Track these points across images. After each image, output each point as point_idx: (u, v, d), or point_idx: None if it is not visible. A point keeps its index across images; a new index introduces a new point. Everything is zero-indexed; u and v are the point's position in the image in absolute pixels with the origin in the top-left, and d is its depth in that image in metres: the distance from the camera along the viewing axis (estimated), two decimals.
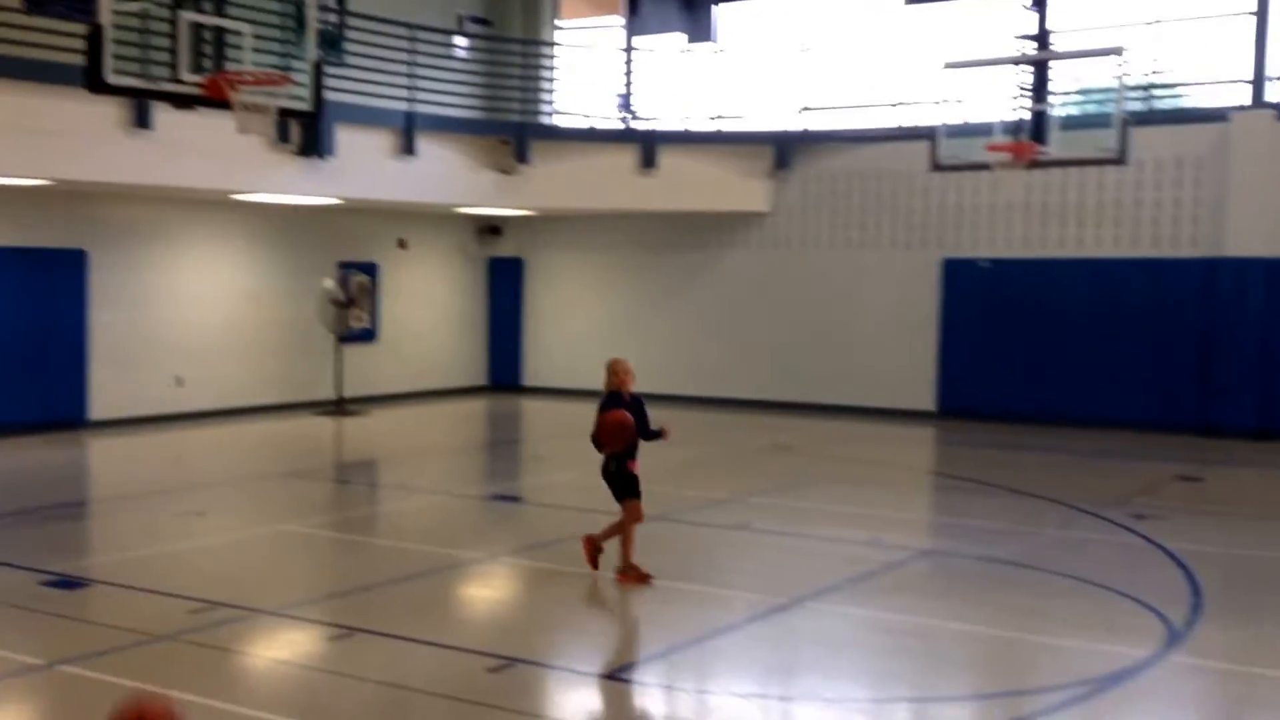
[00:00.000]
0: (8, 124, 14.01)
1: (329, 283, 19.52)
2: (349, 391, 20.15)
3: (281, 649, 7.44)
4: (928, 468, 15.91)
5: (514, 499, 12.75)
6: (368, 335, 20.90)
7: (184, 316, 18.63)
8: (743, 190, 20.74)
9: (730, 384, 21.26)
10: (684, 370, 21.75)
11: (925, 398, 19.62)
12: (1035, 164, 15.64)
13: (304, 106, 12.71)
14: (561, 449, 16.51)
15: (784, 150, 20.61)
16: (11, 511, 11.58)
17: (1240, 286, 17.26)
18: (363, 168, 18.01)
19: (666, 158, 20.45)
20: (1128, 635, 7.76)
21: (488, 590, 9.20)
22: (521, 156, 20.07)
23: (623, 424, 8.73)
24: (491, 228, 23.35)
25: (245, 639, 7.62)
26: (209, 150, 15.82)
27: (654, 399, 21.48)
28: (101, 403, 17.59)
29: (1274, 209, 17.21)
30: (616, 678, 6.97)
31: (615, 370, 9.02)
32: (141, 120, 15.15)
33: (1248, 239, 17.24)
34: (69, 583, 8.80)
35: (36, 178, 14.80)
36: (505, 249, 23.51)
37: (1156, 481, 13.78)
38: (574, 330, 22.90)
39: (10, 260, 16.46)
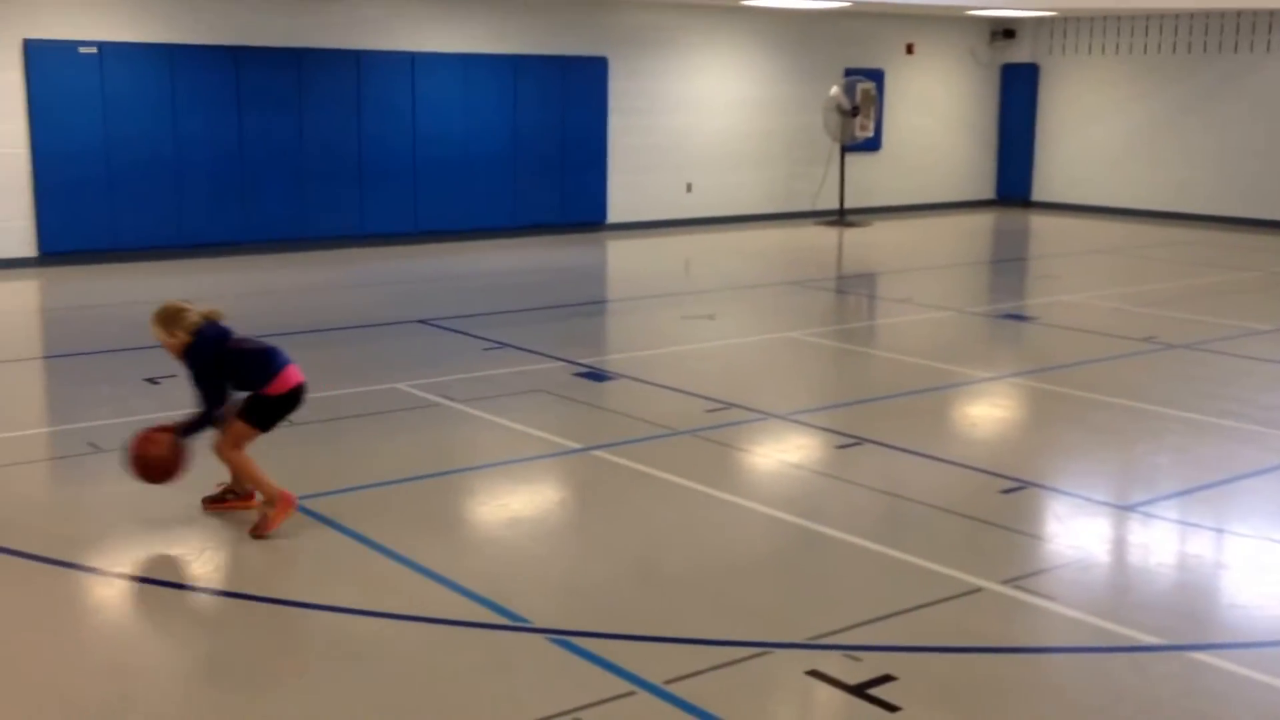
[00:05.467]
0: None
1: (836, 90, 19.29)
2: (851, 202, 20.05)
3: (788, 451, 7.58)
4: None
5: (1023, 318, 12.23)
6: (871, 145, 20.59)
7: (695, 123, 19.11)
8: None
9: (1277, 204, 19.20)
10: (1220, 188, 19.85)
11: None
12: None
13: None
14: (1074, 268, 15.66)
15: None
16: (542, 306, 12.51)
17: None
18: None
19: None
20: None
21: (996, 410, 8.91)
22: None
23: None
24: (1005, 30, 22.08)
25: (755, 439, 7.83)
26: None
27: (1187, 219, 19.88)
28: (618, 206, 18.55)
29: None
30: (1132, 509, 6.55)
31: None
32: None
33: None
34: (596, 375, 9.42)
35: None
36: (1019, 54, 22.20)
37: None
38: (1093, 143, 21.42)
39: (541, 67, 17.49)
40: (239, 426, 6.08)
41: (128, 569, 5.70)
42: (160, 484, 6.16)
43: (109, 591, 5.51)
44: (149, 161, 14.77)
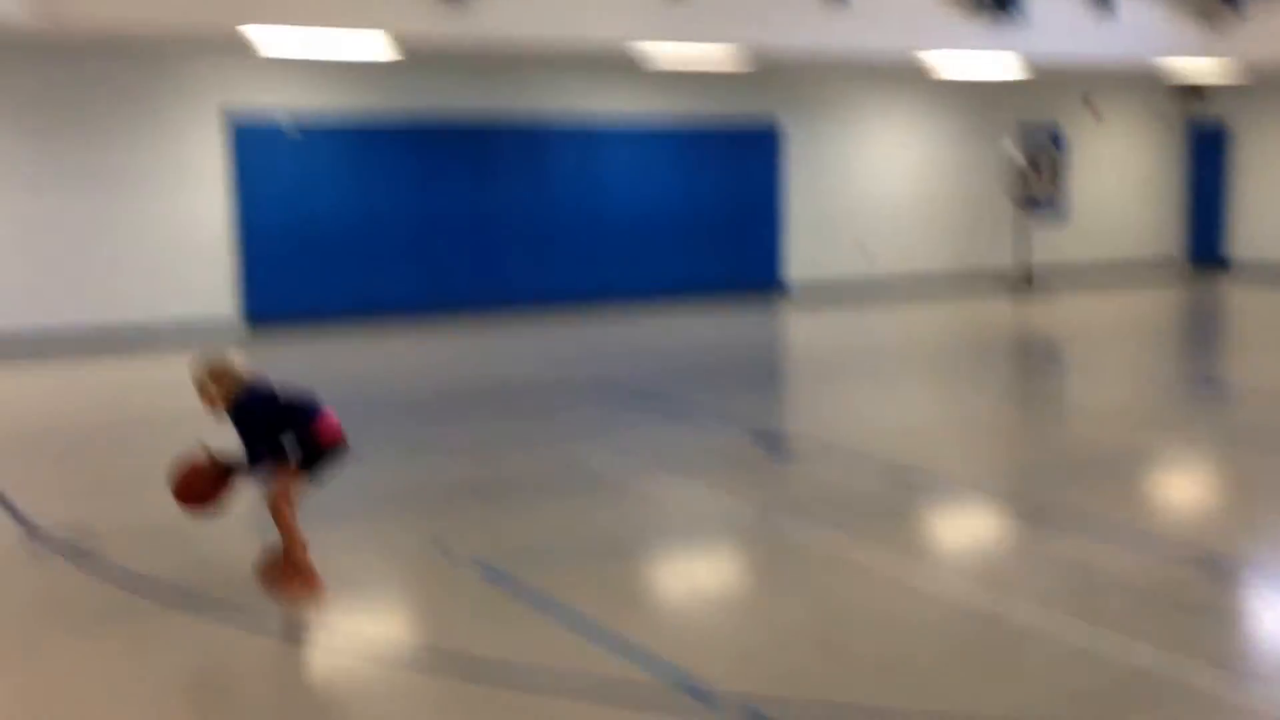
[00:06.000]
0: (713, 3, 14.77)
1: (1012, 152, 18.96)
2: (1036, 267, 19.61)
3: (980, 525, 7.39)
4: None
5: (1224, 387, 11.73)
6: (1056, 208, 20.15)
7: (870, 188, 19.03)
8: None
9: None
10: None
11: None
12: None
13: None
14: (1275, 337, 15.01)
15: None
16: (724, 375, 12.51)
17: None
18: (1053, 25, 17.14)
19: None
20: None
21: (1200, 485, 8.53)
22: (1233, 4, 18.09)
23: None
24: (1192, 91, 21.42)
25: (945, 512, 7.66)
26: (900, 16, 15.83)
27: None
28: (795, 272, 18.51)
29: None
30: None
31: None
32: None
33: None
34: (780, 445, 9.34)
35: (740, 52, 15.54)
36: (1209, 113, 21.51)
37: None
38: None
39: (713, 135, 17.66)
40: (290, 474, 6.12)
41: (336, 639, 5.83)
42: (195, 506, 6.15)
43: (314, 659, 5.67)
44: (345, 231, 15.39)
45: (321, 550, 6.46)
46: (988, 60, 17.20)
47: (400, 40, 13.64)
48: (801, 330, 16.46)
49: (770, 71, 17.63)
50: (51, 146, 14.03)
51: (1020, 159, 18.86)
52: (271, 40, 13.25)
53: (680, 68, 15.99)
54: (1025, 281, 19.09)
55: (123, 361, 13.48)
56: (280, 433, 6.11)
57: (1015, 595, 6.13)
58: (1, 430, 10.05)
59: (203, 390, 6.04)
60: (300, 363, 13.30)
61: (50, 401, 11.42)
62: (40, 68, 13.86)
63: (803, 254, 18.51)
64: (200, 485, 6.08)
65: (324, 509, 7.37)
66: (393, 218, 15.70)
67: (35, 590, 6.37)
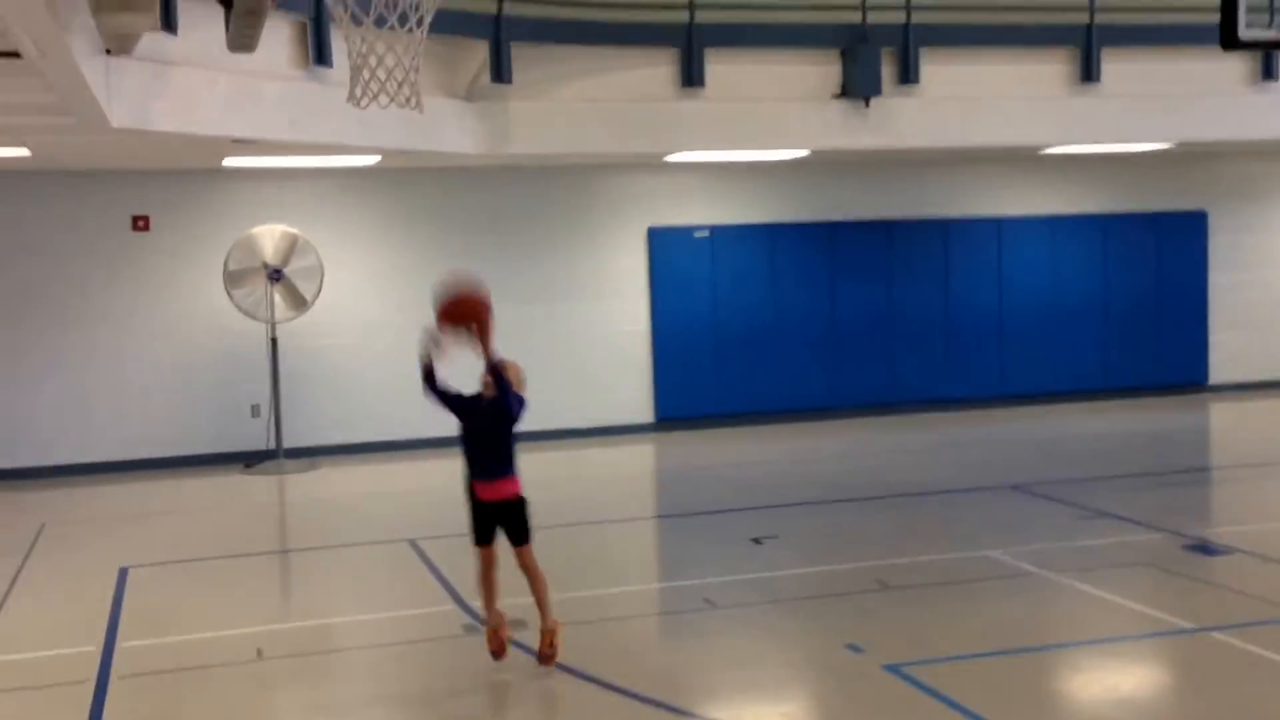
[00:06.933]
0: (1136, 90, 14.33)
1: None
2: None
3: None
4: None
5: None
6: None
7: None
8: None
9: None
10: None
11: None
12: None
13: None
14: None
15: None
16: (1138, 473, 11.89)
17: None
18: None
19: None
20: None
21: None
22: None
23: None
24: None
25: None
26: None
27: None
28: (1220, 366, 17.37)
29: None
30: None
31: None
32: (1268, 72, 14.61)
33: None
34: (1207, 548, 8.79)
35: (1161, 141, 14.97)
36: None
37: None
38: None
39: (1133, 225, 16.97)
40: (527, 550, 6.69)
41: None
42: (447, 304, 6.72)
43: None
44: (751, 332, 15.84)
45: (732, 645, 6.66)
46: None
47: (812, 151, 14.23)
48: (1233, 426, 15.37)
49: (1193, 155, 16.80)
50: (497, 259, 15.24)
51: None
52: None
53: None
54: None
55: (547, 455, 14.37)
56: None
57: None
58: (452, 522, 10.94)
59: (519, 371, 6.91)
60: (708, 460, 13.75)
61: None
62: (487, 190, 15.20)
63: (1229, 348, 17.33)
64: (463, 302, 6.81)
65: (732, 600, 7.59)
66: (799, 317, 15.99)
67: (474, 667, 6.93)
